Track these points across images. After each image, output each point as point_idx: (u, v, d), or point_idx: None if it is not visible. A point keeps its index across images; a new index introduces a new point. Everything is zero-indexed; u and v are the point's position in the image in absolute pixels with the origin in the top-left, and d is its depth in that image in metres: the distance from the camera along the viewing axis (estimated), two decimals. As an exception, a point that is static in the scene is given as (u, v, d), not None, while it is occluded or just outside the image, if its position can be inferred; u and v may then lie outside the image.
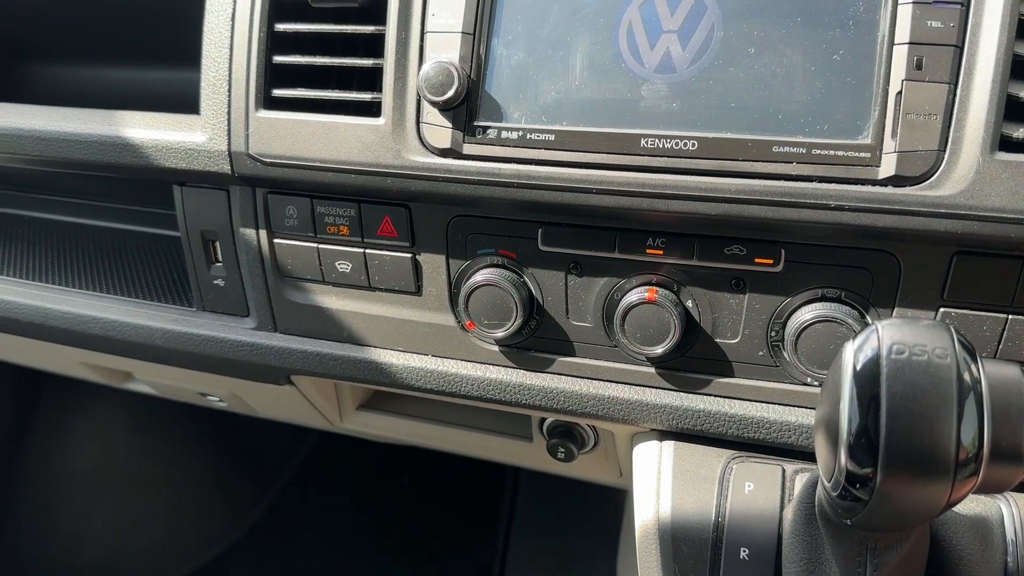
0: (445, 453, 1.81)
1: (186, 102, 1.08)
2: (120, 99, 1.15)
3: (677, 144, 0.84)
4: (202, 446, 2.61)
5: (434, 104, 0.89)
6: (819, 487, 0.75)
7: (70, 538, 2.41)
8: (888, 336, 0.61)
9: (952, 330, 0.60)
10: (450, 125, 0.90)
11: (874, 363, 0.60)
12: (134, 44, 1.45)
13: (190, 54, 1.25)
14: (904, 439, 0.58)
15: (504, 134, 0.89)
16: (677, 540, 0.91)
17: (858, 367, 0.61)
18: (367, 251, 1.02)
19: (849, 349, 0.62)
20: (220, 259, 1.11)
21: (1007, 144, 0.77)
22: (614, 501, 2.30)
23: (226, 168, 1.01)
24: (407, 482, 2.66)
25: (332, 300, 1.07)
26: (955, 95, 0.77)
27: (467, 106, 0.90)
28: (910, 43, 0.77)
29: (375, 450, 2.69)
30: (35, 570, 2.36)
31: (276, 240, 1.05)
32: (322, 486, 2.68)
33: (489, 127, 0.90)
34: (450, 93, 0.87)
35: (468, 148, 0.90)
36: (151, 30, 1.41)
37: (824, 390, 0.66)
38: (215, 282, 1.12)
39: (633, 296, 0.91)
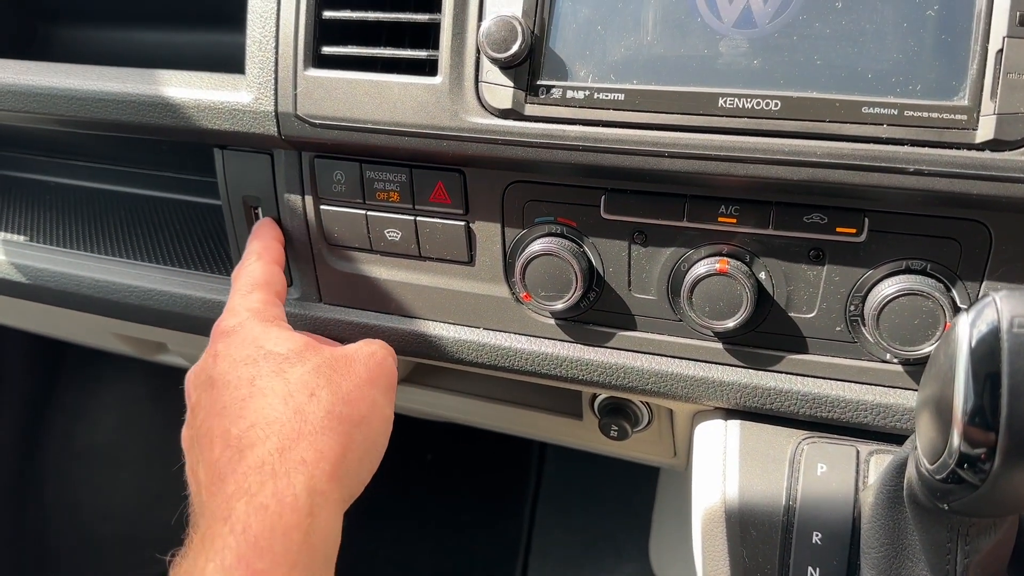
0: (469, 429, 1.77)
1: (220, 66, 1.03)
2: (150, 63, 1.10)
3: (758, 104, 0.78)
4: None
5: (495, 62, 0.84)
6: (911, 469, 0.71)
7: (91, 512, 2.40)
8: (1008, 308, 0.56)
9: None
10: (512, 84, 0.85)
11: (993, 337, 0.55)
12: (165, 4, 1.40)
13: (222, 15, 1.19)
14: (1028, 420, 0.53)
15: (569, 94, 0.84)
16: (745, 524, 0.87)
17: (974, 342, 0.56)
18: (418, 219, 0.97)
19: (964, 322, 0.58)
20: (262, 226, 1.06)
21: (1117, 106, 0.71)
22: (641, 479, 2.27)
23: (272, 130, 0.96)
24: (431, 458, 2.63)
25: (380, 270, 1.03)
26: (1062, 53, 0.72)
27: (530, 64, 0.85)
28: (1013, -4, 0.72)
29: (399, 426, 2.65)
30: (57, 544, 2.35)
31: (323, 207, 1.01)
32: (345, 462, 2.65)
33: (553, 86, 0.85)
34: (513, 49, 0.82)
35: (530, 109, 0.85)
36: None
37: (932, 367, 0.62)
38: (257, 250, 1.07)
39: (702, 267, 0.87)
